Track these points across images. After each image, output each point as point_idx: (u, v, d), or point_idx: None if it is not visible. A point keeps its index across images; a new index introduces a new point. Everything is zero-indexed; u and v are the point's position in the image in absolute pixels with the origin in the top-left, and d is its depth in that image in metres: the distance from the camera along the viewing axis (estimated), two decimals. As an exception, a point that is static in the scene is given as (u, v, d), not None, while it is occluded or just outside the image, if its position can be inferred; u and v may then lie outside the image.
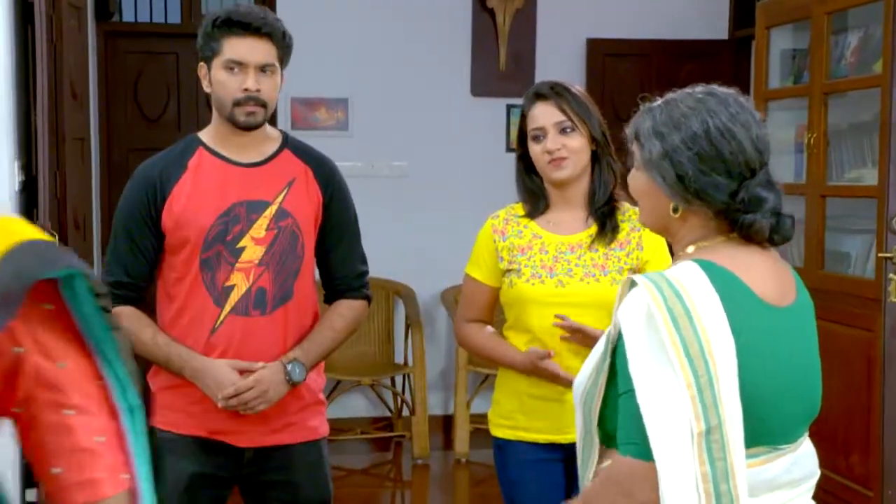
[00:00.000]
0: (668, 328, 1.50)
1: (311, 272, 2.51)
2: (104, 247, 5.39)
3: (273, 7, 5.40)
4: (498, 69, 5.64)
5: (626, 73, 5.69)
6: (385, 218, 5.35)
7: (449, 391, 5.58)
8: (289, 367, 2.41)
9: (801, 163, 4.38)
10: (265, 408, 2.38)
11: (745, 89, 5.53)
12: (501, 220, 2.53)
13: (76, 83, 4.35)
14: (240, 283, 2.40)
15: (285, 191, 2.43)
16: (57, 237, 3.90)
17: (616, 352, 1.59)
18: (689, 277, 1.55)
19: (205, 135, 2.48)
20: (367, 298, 2.59)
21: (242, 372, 2.38)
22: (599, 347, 1.65)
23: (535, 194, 2.50)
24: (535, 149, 2.45)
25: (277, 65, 2.40)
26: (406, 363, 5.48)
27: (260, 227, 2.40)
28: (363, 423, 5.59)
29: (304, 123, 5.43)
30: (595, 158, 2.47)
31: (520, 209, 2.53)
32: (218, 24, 2.37)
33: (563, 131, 2.42)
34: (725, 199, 1.60)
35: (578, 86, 2.53)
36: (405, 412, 5.48)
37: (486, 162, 5.55)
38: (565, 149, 2.41)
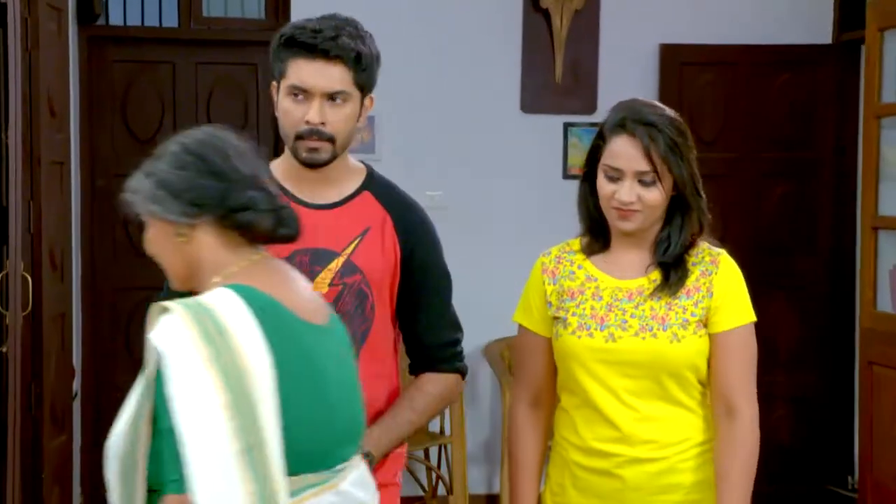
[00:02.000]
0: (201, 346, 1.75)
1: (384, 338, 2.48)
2: (85, 292, 5.47)
3: (287, 11, 5.45)
4: (553, 81, 5.66)
5: (709, 85, 5.66)
6: (418, 258, 5.33)
7: (493, 465, 5.56)
8: None
9: (923, 193, 4.37)
10: None
11: (853, 103, 5.61)
12: (553, 259, 2.52)
13: (54, 97, 4.40)
14: None
15: (356, 241, 2.42)
16: (30, 279, 3.93)
17: (157, 391, 1.79)
18: (221, 298, 1.83)
19: (276, 167, 2.44)
20: (460, 371, 2.57)
21: None
22: (134, 399, 1.85)
23: (597, 223, 2.48)
24: (605, 186, 2.40)
25: (352, 92, 2.36)
26: (443, 432, 5.46)
27: (323, 282, 2.38)
28: (390, 505, 5.57)
29: (322, 145, 5.45)
30: (678, 205, 2.41)
31: (576, 244, 2.52)
32: (283, 43, 2.35)
33: (642, 182, 2.36)
34: (218, 200, 1.92)
35: (671, 112, 2.41)
36: (441, 491, 5.47)
37: (539, 191, 5.55)
38: (640, 202, 2.36)
